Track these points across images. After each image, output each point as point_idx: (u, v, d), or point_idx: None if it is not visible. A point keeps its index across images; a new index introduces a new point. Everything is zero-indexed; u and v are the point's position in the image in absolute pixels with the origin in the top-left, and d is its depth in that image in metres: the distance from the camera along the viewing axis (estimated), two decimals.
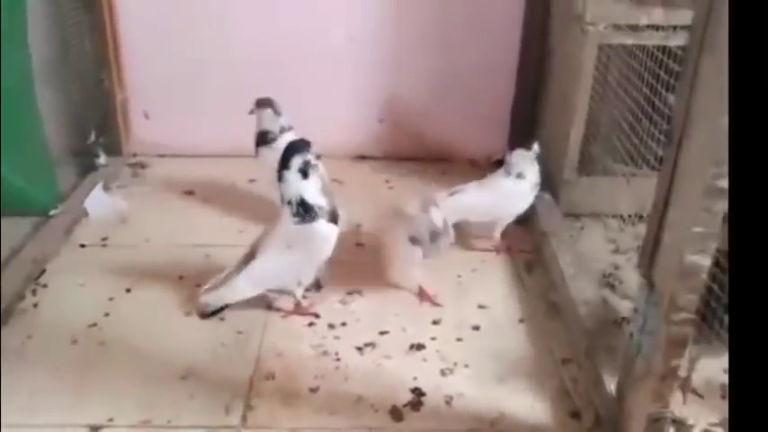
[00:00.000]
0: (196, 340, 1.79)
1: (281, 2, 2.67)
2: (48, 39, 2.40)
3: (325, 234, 1.80)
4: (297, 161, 1.74)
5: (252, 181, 2.64)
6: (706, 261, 1.12)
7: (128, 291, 1.98)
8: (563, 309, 1.92)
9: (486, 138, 2.81)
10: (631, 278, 1.90)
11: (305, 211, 1.76)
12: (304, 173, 1.75)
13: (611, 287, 1.95)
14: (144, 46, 2.70)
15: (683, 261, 1.13)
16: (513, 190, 2.16)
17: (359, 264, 2.12)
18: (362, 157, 2.89)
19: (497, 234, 2.22)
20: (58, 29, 2.47)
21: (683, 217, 1.14)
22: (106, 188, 2.52)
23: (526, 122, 2.64)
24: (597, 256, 2.09)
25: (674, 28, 2.01)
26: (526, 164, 2.14)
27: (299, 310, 1.90)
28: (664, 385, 1.24)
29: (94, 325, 1.84)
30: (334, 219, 1.83)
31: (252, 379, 1.67)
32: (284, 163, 1.75)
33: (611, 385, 1.49)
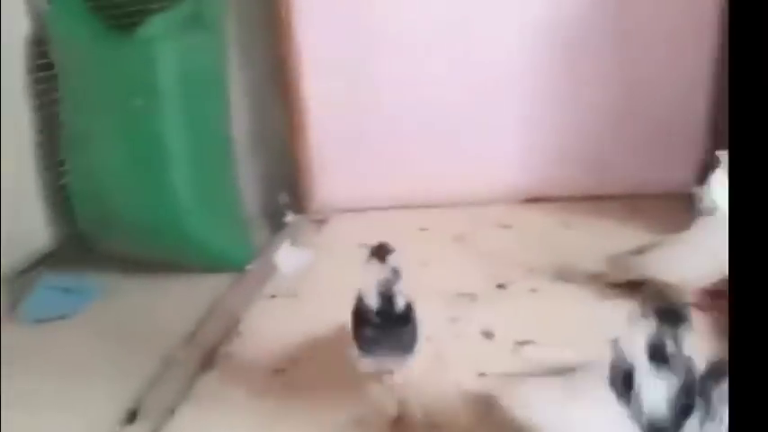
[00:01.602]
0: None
1: (457, 45, 2.70)
2: (244, 104, 2.69)
3: None
4: None
5: (423, 230, 2.70)
6: None
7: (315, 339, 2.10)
8: None
9: (674, 173, 2.57)
10: None
11: None
12: None
13: None
14: (327, 106, 2.88)
15: None
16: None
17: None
18: (538, 199, 2.81)
19: None
20: (252, 94, 2.76)
21: None
22: (294, 243, 2.73)
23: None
24: None
25: None
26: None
27: None
28: None
29: (282, 370, 1.95)
30: None
31: None
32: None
33: None
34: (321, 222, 2.96)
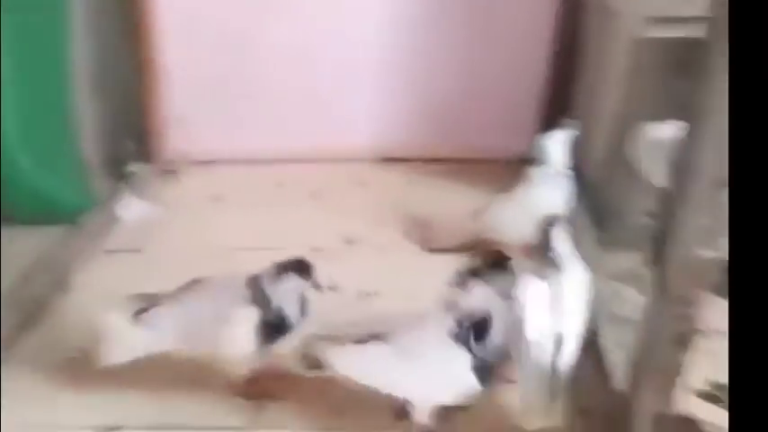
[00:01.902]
0: None
1: (309, 5, 2.69)
2: (86, 48, 2.48)
3: None
4: None
5: (279, 185, 2.68)
6: (713, 255, 1.06)
7: None
8: None
9: (514, 138, 2.74)
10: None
11: None
12: None
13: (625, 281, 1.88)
14: (178, 55, 2.76)
15: (691, 255, 1.07)
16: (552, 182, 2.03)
17: None
18: (390, 159, 2.88)
19: None
20: (96, 38, 2.55)
21: (693, 210, 1.07)
22: (139, 195, 2.59)
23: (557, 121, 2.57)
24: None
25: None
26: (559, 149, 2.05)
27: None
28: (669, 382, 1.18)
29: None
30: None
31: None
32: None
33: (619, 382, 1.44)
34: (170, 173, 2.83)
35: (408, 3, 2.66)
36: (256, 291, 1.47)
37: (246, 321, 1.44)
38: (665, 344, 1.15)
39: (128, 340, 1.52)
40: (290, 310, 1.47)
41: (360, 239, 2.30)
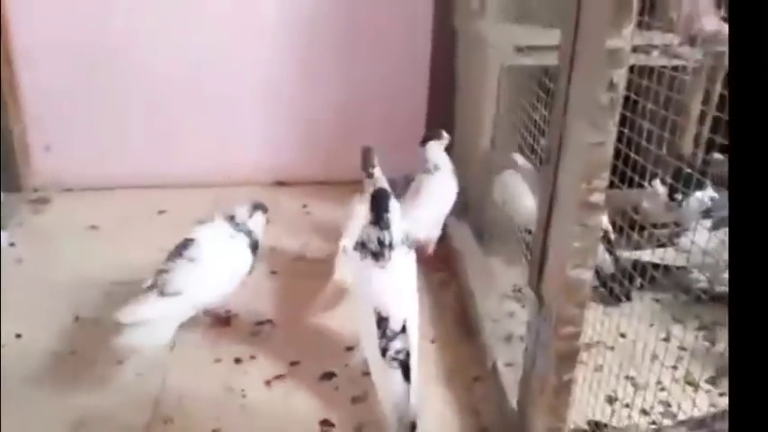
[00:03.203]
0: (91, 383, 1.69)
1: (188, 23, 2.60)
2: None
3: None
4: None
5: (161, 212, 2.56)
6: (587, 275, 1.13)
7: (18, 336, 1.86)
8: (474, 326, 1.92)
9: (399, 158, 2.80)
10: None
11: None
12: None
13: (519, 301, 1.97)
14: (42, 72, 2.58)
15: (566, 275, 1.14)
16: (441, 182, 2.19)
17: (271, 292, 2.07)
18: (280, 183, 2.85)
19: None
20: None
21: (563, 233, 1.15)
22: (2, 227, 2.38)
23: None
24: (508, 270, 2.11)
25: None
26: (441, 154, 2.21)
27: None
28: (558, 400, 1.24)
29: None
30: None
31: (149, 425, 1.58)
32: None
33: (514, 401, 1.49)
34: (41, 202, 2.63)
35: (297, 28, 2.67)
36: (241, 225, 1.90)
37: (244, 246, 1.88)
38: (550, 362, 1.21)
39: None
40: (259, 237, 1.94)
41: None
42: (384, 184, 2.02)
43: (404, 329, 1.48)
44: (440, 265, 2.25)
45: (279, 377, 1.74)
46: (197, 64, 2.65)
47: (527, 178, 2.13)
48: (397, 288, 1.53)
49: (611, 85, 0.99)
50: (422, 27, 2.67)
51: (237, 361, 1.80)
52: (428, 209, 2.18)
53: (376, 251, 1.54)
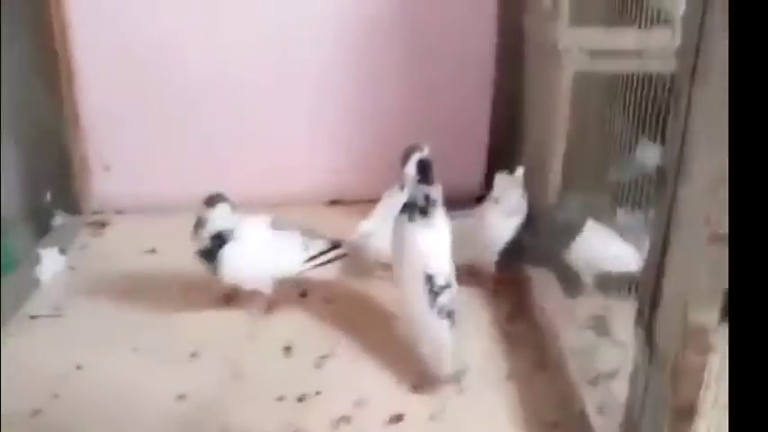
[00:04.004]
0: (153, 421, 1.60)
1: (246, 39, 2.52)
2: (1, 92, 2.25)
3: None
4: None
5: None
6: (713, 319, 0.96)
7: (78, 368, 1.80)
8: (551, 363, 1.75)
9: (461, 176, 2.65)
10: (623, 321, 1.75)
11: None
12: None
13: (604, 333, 1.78)
14: (102, 91, 2.53)
15: (687, 321, 0.97)
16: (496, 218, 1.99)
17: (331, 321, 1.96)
18: (335, 202, 2.74)
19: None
20: (11, 81, 2.32)
21: (685, 270, 0.98)
22: (62, 251, 2.35)
23: (504, 158, 2.49)
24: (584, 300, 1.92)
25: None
26: (510, 190, 1.99)
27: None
28: None
29: (39, 412, 1.64)
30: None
31: None
32: None
33: None
34: (97, 225, 2.60)
35: (355, 33, 2.54)
36: None
37: None
38: (663, 419, 1.04)
39: None
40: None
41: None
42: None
43: (449, 285, 1.62)
44: (506, 292, 2.08)
45: (344, 418, 1.61)
46: (254, 80, 2.57)
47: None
48: (441, 245, 1.64)
49: None
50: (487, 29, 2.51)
51: (300, 399, 1.68)
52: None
53: (423, 207, 1.63)
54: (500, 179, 2.02)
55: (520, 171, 2.01)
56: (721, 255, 0.91)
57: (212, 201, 1.93)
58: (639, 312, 1.11)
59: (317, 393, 1.69)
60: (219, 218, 1.92)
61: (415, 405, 1.65)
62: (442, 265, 1.62)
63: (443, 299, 1.61)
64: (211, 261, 1.92)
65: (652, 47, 1.84)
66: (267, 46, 2.55)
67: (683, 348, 1.00)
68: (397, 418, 1.60)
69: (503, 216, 1.98)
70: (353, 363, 1.80)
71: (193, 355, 1.83)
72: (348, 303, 2.07)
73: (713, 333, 0.98)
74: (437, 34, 2.56)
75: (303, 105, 2.64)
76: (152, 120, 2.59)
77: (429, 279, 1.60)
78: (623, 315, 1.76)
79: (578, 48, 1.99)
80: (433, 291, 1.60)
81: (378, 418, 1.61)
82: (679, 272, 1.00)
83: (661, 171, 1.02)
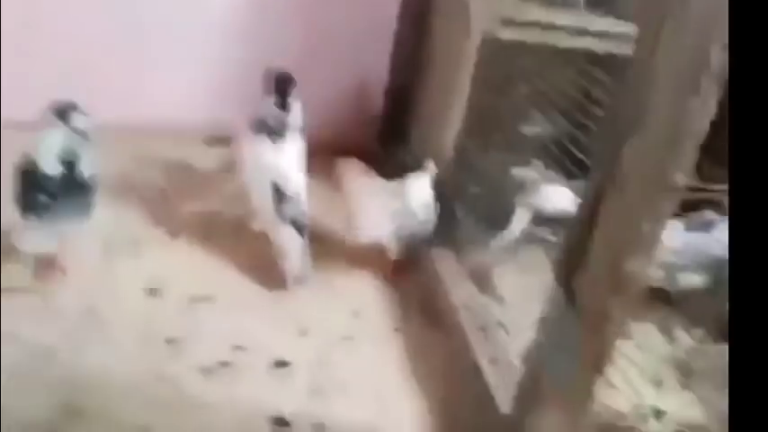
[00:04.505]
0: None
1: None
2: None
3: None
4: None
5: None
6: (647, 267, 0.97)
7: None
8: (442, 317, 1.73)
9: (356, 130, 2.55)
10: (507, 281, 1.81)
11: None
12: None
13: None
14: None
15: (620, 269, 0.98)
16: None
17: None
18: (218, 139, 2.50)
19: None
20: None
21: (623, 218, 0.98)
22: None
23: (399, 115, 2.44)
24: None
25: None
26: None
27: None
28: (578, 407, 1.09)
29: None
30: None
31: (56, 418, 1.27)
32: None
33: (503, 406, 1.33)
34: None
35: None
36: None
37: None
38: (574, 366, 1.05)
39: None
40: None
41: None
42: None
43: (295, 195, 1.76)
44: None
45: (223, 364, 1.47)
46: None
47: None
48: (291, 163, 1.79)
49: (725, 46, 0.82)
50: None
51: (169, 341, 1.50)
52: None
53: (277, 130, 1.78)
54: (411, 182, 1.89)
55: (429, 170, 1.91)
56: (668, 206, 0.92)
57: (64, 110, 1.48)
58: (561, 261, 1.10)
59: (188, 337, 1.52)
60: None
61: (301, 352, 1.55)
62: (290, 178, 1.76)
63: (291, 209, 1.74)
64: None
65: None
66: None
67: (611, 296, 1.00)
68: (282, 364, 1.49)
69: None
70: (231, 306, 1.65)
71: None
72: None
73: (642, 283, 0.99)
74: None
75: (197, 40, 2.39)
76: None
77: (278, 190, 1.73)
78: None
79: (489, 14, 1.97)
80: (283, 200, 1.74)
81: (261, 363, 1.49)
82: (615, 220, 1.00)
83: (612, 119, 1.01)
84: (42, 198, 1.45)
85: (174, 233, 1.88)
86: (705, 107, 0.86)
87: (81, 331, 1.47)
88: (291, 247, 1.73)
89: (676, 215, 1.91)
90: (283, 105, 1.81)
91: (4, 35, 2.17)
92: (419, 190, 1.87)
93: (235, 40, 2.42)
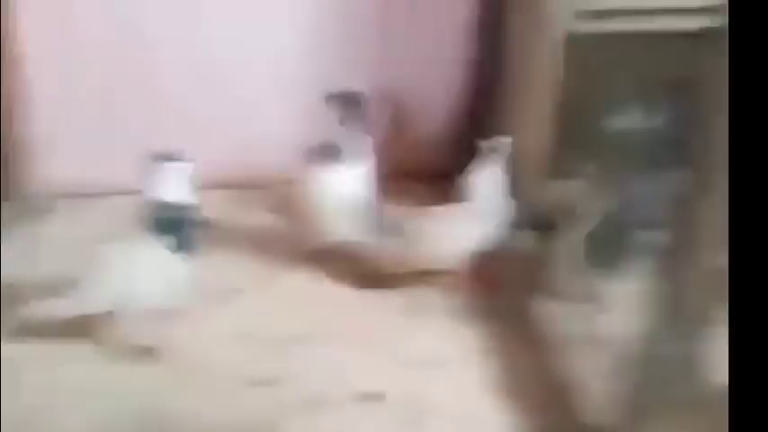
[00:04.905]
0: None
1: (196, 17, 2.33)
2: None
3: None
4: None
5: None
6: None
7: None
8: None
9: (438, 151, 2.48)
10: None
11: None
12: None
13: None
14: (46, 75, 2.31)
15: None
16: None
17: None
18: None
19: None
20: None
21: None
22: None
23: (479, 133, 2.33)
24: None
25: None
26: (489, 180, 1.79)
27: None
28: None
29: None
30: None
31: None
32: None
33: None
34: (41, 210, 2.35)
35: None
36: None
37: None
38: (677, 375, 0.90)
39: None
40: None
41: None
42: None
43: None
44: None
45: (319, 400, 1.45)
46: (218, 55, 2.38)
47: None
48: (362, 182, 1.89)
49: None
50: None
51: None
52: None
53: (343, 151, 1.85)
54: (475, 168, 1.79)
55: (505, 144, 1.78)
56: None
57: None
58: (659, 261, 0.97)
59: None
60: None
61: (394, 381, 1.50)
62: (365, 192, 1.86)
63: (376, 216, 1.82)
64: None
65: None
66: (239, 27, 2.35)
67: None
68: (376, 397, 1.45)
69: (476, 220, 1.78)
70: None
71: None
72: None
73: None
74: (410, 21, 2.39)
75: (274, 83, 2.45)
76: (96, 101, 2.37)
77: (363, 208, 1.81)
78: None
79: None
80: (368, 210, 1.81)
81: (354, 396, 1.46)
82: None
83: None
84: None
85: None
86: None
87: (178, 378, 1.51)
88: (390, 247, 1.76)
89: None
90: (344, 124, 1.86)
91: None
92: (487, 182, 1.76)
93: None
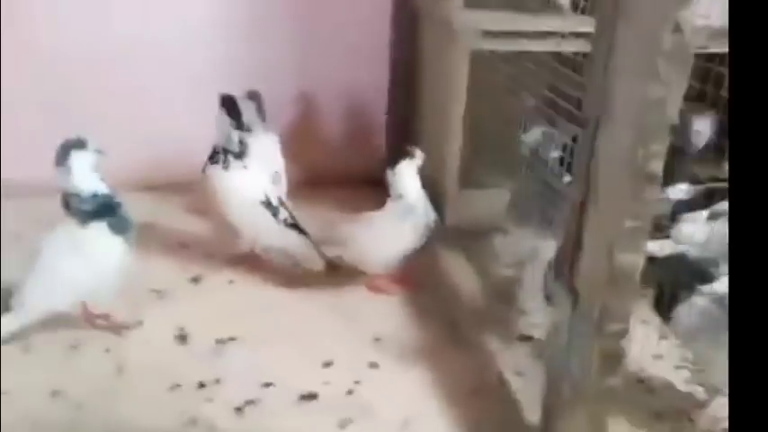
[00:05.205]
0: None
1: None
2: None
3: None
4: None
5: None
6: (639, 259, 0.97)
7: None
8: (465, 333, 1.73)
9: (364, 156, 2.56)
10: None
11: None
12: None
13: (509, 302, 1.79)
14: None
15: (612, 263, 0.97)
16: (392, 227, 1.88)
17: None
18: None
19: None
20: None
21: (608, 212, 0.98)
22: None
23: (403, 137, 2.46)
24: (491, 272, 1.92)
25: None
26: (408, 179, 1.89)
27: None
28: (601, 408, 1.07)
29: None
30: None
31: None
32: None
33: (531, 416, 1.31)
34: None
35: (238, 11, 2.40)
36: None
37: None
38: (589, 366, 1.03)
39: None
40: None
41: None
42: None
43: (281, 203, 1.96)
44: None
45: (250, 402, 1.49)
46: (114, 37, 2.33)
47: None
48: (261, 180, 1.96)
49: (677, 28, 0.83)
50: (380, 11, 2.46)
51: (201, 386, 1.54)
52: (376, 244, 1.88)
53: (241, 151, 1.93)
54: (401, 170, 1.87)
55: (417, 157, 1.88)
56: (647, 192, 0.92)
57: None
58: (559, 261, 1.10)
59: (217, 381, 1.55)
60: None
61: (327, 383, 1.56)
62: (269, 191, 1.94)
63: (282, 214, 1.92)
64: None
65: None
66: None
67: (610, 292, 0.99)
68: (310, 397, 1.51)
69: (403, 221, 1.86)
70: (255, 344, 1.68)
71: (73, 347, 1.63)
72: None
73: (638, 276, 0.98)
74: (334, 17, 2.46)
75: (189, 80, 2.41)
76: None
77: (267, 204, 1.90)
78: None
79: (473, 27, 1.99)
80: (272, 211, 1.90)
81: (288, 397, 1.51)
82: (603, 214, 0.99)
83: (584, 113, 1.01)
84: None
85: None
86: (670, 92, 0.86)
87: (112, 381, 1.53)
88: (300, 244, 1.90)
89: (699, 207, 1.91)
90: (239, 126, 1.96)
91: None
92: (411, 181, 1.87)
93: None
